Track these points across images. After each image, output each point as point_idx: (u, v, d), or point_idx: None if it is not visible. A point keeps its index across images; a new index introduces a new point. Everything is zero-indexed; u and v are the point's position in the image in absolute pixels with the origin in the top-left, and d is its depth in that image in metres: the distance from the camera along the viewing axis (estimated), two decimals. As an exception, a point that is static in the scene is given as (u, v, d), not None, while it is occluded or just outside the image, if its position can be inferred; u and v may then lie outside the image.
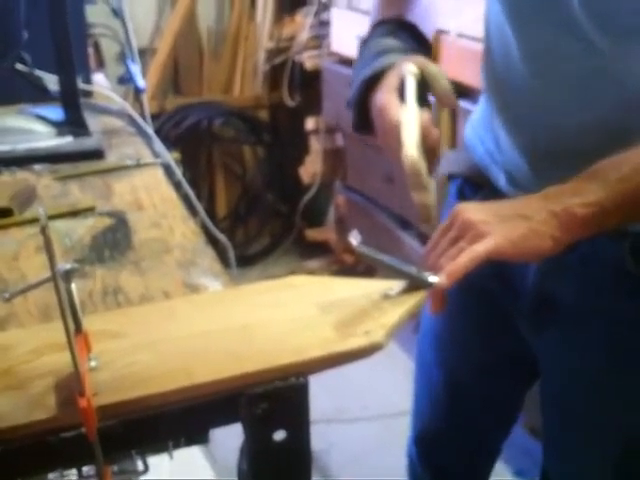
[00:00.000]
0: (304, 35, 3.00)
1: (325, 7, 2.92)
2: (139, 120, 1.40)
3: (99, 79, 1.69)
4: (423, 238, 2.34)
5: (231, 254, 1.35)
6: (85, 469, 0.71)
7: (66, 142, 1.29)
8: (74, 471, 0.72)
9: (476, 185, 1.06)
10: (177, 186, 1.20)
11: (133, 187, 1.13)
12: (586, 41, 0.83)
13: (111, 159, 1.25)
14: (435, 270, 0.77)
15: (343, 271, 3.10)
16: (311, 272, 3.09)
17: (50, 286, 0.56)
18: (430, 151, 0.86)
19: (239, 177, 3.46)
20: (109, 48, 2.82)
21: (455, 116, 2.12)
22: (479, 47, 1.05)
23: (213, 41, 3.31)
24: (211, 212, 3.26)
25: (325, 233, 3.24)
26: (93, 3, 1.63)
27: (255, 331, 0.69)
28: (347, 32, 2.60)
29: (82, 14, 1.49)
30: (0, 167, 1.20)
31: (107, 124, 1.43)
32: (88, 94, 1.49)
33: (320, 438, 2.23)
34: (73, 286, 0.60)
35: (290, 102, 3.17)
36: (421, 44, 1.00)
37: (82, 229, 0.99)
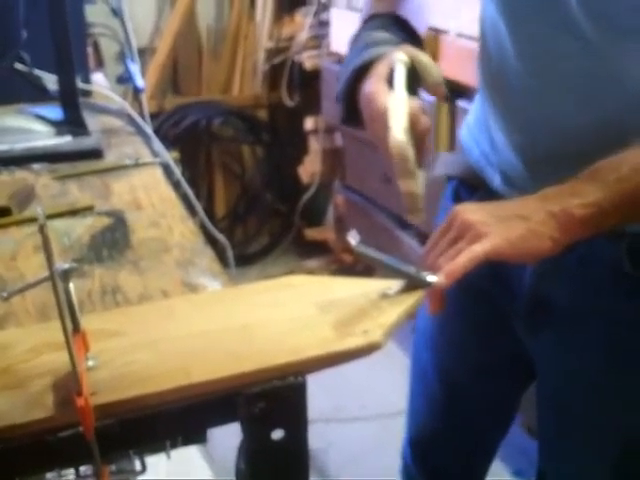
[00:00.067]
0: (303, 35, 3.00)
1: (324, 7, 2.92)
2: (138, 120, 1.40)
3: (98, 79, 1.69)
4: (422, 238, 2.34)
5: (230, 254, 1.35)
6: (82, 469, 0.71)
7: (65, 141, 1.29)
8: (72, 470, 0.72)
9: (472, 187, 1.05)
10: (176, 186, 1.20)
11: (132, 187, 1.13)
12: (584, 40, 0.83)
13: (110, 159, 1.25)
14: (434, 270, 0.77)
15: (342, 271, 3.10)
16: (310, 272, 3.09)
17: (48, 285, 0.56)
18: (419, 139, 0.83)
19: (238, 177, 3.46)
20: (108, 48, 2.82)
21: (454, 116, 2.12)
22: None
23: (212, 41, 3.31)
24: (210, 212, 3.26)
25: (324, 233, 3.24)
26: (92, 3, 1.63)
27: (253, 330, 0.69)
28: (346, 32, 2.58)
29: (81, 14, 1.49)
30: (-1, 166, 1.20)
31: (106, 124, 1.43)
32: (87, 94, 1.49)
33: (318, 437, 2.23)
34: (71, 285, 0.60)
35: (289, 102, 3.17)
36: (413, 39, 0.99)
37: (81, 228, 0.99)
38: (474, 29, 1.04)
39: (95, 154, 1.26)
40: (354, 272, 2.97)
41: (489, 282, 1.04)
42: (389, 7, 1.01)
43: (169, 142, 2.88)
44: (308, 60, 2.96)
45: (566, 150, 0.88)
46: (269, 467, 0.67)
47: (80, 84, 1.36)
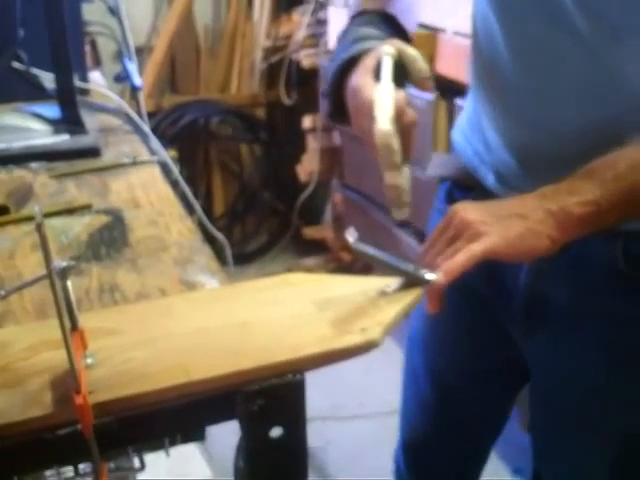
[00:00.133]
0: (301, 33, 3.00)
1: (322, 6, 2.92)
2: (136, 118, 1.40)
3: (96, 77, 1.69)
4: (420, 236, 2.34)
5: (228, 252, 1.35)
6: (81, 466, 0.71)
7: (63, 140, 1.29)
8: (71, 468, 0.72)
9: (466, 187, 1.05)
10: (174, 184, 1.20)
11: (130, 185, 1.13)
12: (579, 38, 0.83)
13: (108, 157, 1.25)
14: (432, 269, 0.77)
15: (340, 269, 3.10)
16: (308, 270, 3.09)
17: (46, 283, 0.56)
18: (405, 132, 0.81)
19: (236, 175, 3.46)
20: (106, 46, 2.82)
21: (452, 114, 2.12)
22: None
23: (210, 39, 3.31)
24: (208, 210, 3.26)
25: (322, 231, 3.25)
26: (90, 1, 1.63)
27: (252, 328, 0.69)
28: (344, 30, 2.60)
29: (79, 12, 1.49)
30: (-4, 165, 1.20)
31: (104, 122, 1.43)
32: (85, 92, 1.49)
33: (317, 436, 2.23)
34: (69, 283, 0.60)
35: (287, 100, 3.17)
36: (401, 36, 0.98)
37: (78, 227, 0.99)
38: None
39: (93, 152, 1.25)
40: (352, 270, 2.97)
41: (483, 285, 1.04)
42: (378, 4, 1.01)
43: (167, 141, 2.88)
44: (306, 59, 2.96)
45: (561, 148, 0.88)
46: (268, 465, 0.67)
47: (77, 83, 1.36)
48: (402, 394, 1.31)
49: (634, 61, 0.81)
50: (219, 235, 1.34)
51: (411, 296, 0.76)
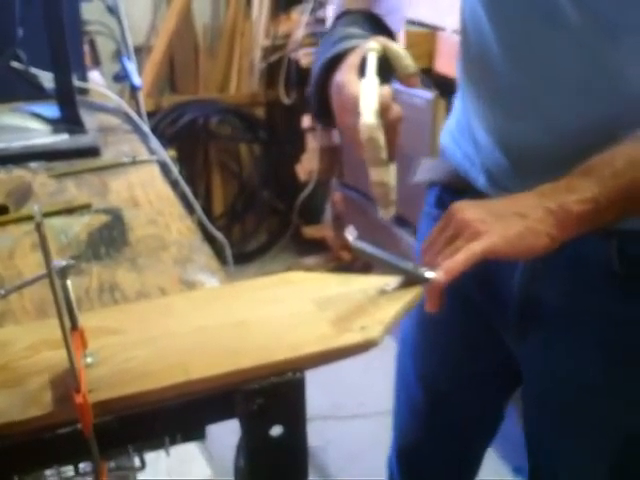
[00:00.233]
0: (300, 32, 3.00)
1: (321, 5, 2.92)
2: (135, 118, 1.40)
3: (95, 77, 1.69)
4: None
5: (228, 251, 1.35)
6: (81, 466, 0.71)
7: (62, 139, 1.29)
8: (71, 467, 0.72)
9: (456, 191, 1.03)
10: (174, 184, 1.20)
11: (129, 184, 1.13)
12: (573, 36, 0.82)
13: (107, 156, 1.25)
14: (432, 268, 0.76)
15: (340, 268, 3.10)
16: (308, 269, 3.08)
17: (46, 283, 0.56)
18: (390, 128, 0.79)
19: (236, 175, 3.46)
20: (105, 46, 2.82)
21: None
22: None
23: (209, 39, 3.31)
24: (208, 210, 3.26)
25: (322, 230, 3.25)
26: (89, 0, 1.63)
27: (251, 327, 0.69)
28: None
29: (77, 11, 1.49)
30: (-4, 165, 1.20)
31: (103, 122, 1.43)
32: (84, 92, 1.49)
33: (317, 435, 2.23)
34: (69, 282, 0.60)
35: (286, 100, 3.17)
36: (386, 36, 0.95)
37: (78, 226, 0.99)
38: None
39: (92, 152, 1.25)
40: (352, 269, 2.97)
41: (476, 291, 1.04)
42: (362, 4, 0.99)
43: (166, 140, 2.88)
44: (305, 58, 2.96)
45: (554, 148, 0.88)
46: (268, 464, 0.67)
47: (77, 82, 1.36)
48: (394, 399, 1.31)
49: (630, 59, 0.81)
50: (219, 234, 1.34)
51: (411, 295, 0.75)
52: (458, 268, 0.74)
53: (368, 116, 0.77)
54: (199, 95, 3.28)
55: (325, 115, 0.91)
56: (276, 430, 0.65)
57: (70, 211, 1.03)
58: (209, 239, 0.99)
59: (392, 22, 0.99)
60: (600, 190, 0.75)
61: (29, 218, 1.00)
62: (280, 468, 0.68)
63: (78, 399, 0.57)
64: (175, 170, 1.26)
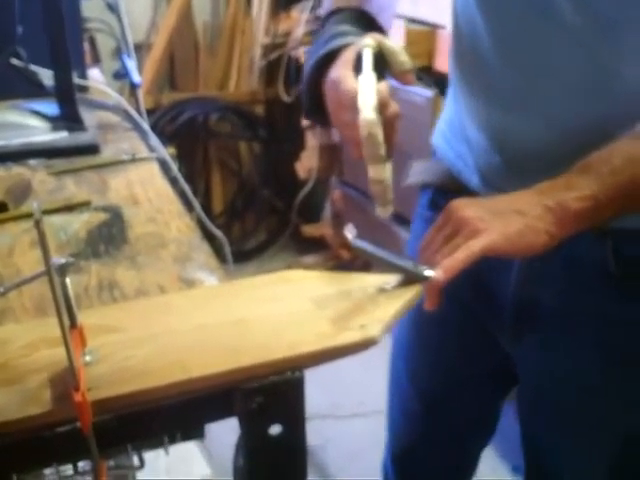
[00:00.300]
0: (300, 30, 2.99)
1: (321, 2, 2.92)
2: (135, 115, 1.40)
3: (94, 74, 1.68)
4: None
5: (227, 250, 1.35)
6: (81, 464, 0.71)
7: (61, 137, 1.29)
8: (70, 466, 0.72)
9: (449, 193, 1.01)
10: (173, 182, 1.20)
11: (129, 182, 1.13)
12: (568, 31, 0.82)
13: (106, 154, 1.25)
14: (430, 266, 0.76)
15: (340, 267, 3.10)
16: (307, 268, 3.08)
17: (45, 281, 0.56)
18: (388, 125, 0.79)
19: (235, 173, 3.45)
20: (105, 43, 2.82)
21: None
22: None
23: (209, 36, 3.31)
24: (207, 208, 3.26)
25: (321, 229, 3.24)
26: (88, -2, 1.63)
27: (250, 325, 0.69)
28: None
29: (77, 9, 1.49)
30: (-5, 162, 1.20)
31: (102, 119, 1.43)
32: (83, 89, 1.49)
33: (316, 434, 2.23)
34: (68, 280, 0.60)
35: (286, 97, 3.17)
36: (379, 33, 0.93)
37: (77, 224, 0.98)
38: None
39: (91, 149, 1.25)
40: (352, 268, 2.97)
41: (470, 292, 1.03)
42: (353, 2, 0.98)
43: (166, 138, 2.87)
44: (305, 56, 2.96)
45: (549, 146, 0.87)
46: (267, 462, 0.67)
47: (76, 80, 1.35)
48: (388, 403, 1.30)
49: (627, 57, 0.80)
50: (218, 233, 1.34)
51: (410, 293, 0.75)
52: (458, 266, 0.73)
53: (368, 112, 0.76)
54: (199, 93, 3.28)
55: (317, 113, 0.91)
56: (275, 429, 0.65)
57: (69, 209, 1.03)
58: (208, 237, 0.99)
59: (383, 20, 0.98)
60: (599, 187, 0.75)
61: (28, 216, 0.99)
62: (279, 467, 0.68)
63: (77, 397, 0.57)
64: (174, 168, 1.26)
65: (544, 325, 0.98)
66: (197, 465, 2.08)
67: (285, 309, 0.72)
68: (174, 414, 0.63)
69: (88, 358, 0.64)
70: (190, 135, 3.23)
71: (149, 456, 0.78)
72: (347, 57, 0.84)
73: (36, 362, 0.64)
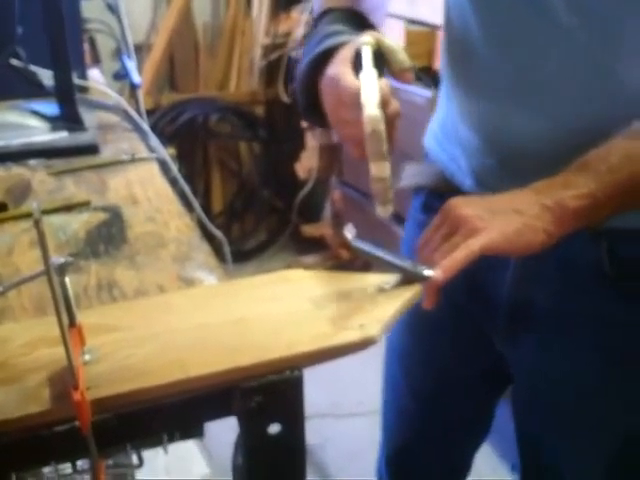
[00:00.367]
0: (300, 31, 3.00)
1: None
2: (134, 116, 1.40)
3: (94, 75, 1.68)
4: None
5: (227, 249, 1.35)
6: (79, 463, 0.71)
7: (61, 137, 1.29)
8: (69, 465, 0.72)
9: (443, 196, 0.98)
10: (173, 182, 1.20)
11: (128, 182, 1.13)
12: (561, 29, 0.81)
13: (106, 154, 1.25)
14: (429, 265, 0.76)
15: (339, 267, 3.10)
16: (307, 268, 3.08)
17: (45, 280, 0.56)
18: (389, 124, 0.77)
19: (235, 173, 3.45)
20: (105, 44, 2.82)
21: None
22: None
23: (209, 37, 3.31)
24: (207, 208, 3.26)
25: (321, 229, 3.25)
26: (88, -2, 1.63)
27: (249, 325, 0.69)
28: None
29: (77, 9, 1.49)
30: (-5, 162, 1.20)
31: (102, 119, 1.43)
32: (83, 89, 1.49)
33: (315, 433, 2.23)
34: (67, 279, 0.60)
35: (286, 98, 3.17)
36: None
37: (77, 224, 0.99)
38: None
39: (91, 150, 1.25)
40: (352, 268, 2.97)
41: (465, 297, 1.03)
42: (345, 2, 0.96)
43: (166, 139, 2.88)
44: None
45: (543, 146, 0.87)
46: (266, 462, 0.67)
47: (76, 80, 1.36)
48: (382, 405, 1.29)
49: (622, 55, 0.80)
50: (218, 233, 1.34)
51: (410, 292, 0.75)
52: (457, 266, 0.73)
53: (372, 108, 0.75)
54: (199, 93, 3.28)
55: (314, 112, 0.89)
56: (274, 428, 0.65)
57: (69, 208, 1.03)
58: (208, 237, 0.99)
59: (376, 19, 0.97)
60: (597, 185, 0.75)
61: (28, 215, 1.00)
62: (278, 466, 0.68)
63: (76, 396, 0.57)
64: (174, 168, 1.26)
65: (539, 326, 0.97)
66: (196, 464, 2.08)
67: (284, 309, 0.72)
68: (173, 413, 0.63)
69: (87, 357, 0.64)
70: (190, 135, 3.23)
71: (148, 455, 0.78)
72: (345, 55, 0.83)
73: (35, 361, 0.64)
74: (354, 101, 0.78)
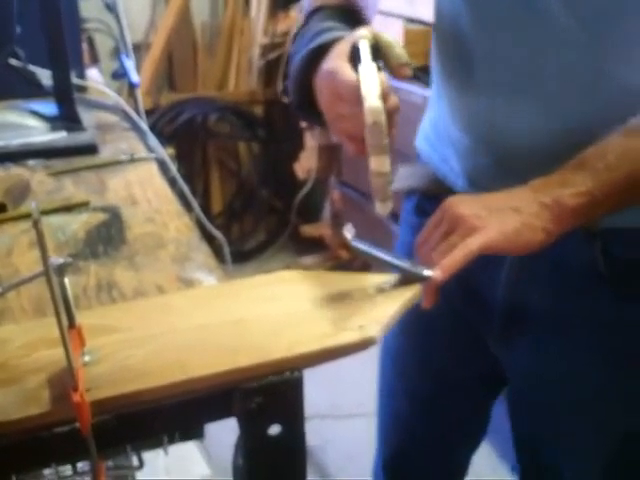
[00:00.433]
0: (299, 31, 2.99)
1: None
2: (133, 115, 1.40)
3: (93, 74, 1.68)
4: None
5: (226, 250, 1.35)
6: (80, 465, 0.71)
7: (60, 137, 1.28)
8: (69, 467, 0.72)
9: (435, 198, 0.98)
10: (172, 182, 1.20)
11: (127, 182, 1.13)
12: (558, 28, 0.81)
13: (105, 154, 1.25)
14: (427, 264, 0.76)
15: (339, 267, 3.10)
16: (306, 268, 3.09)
17: (44, 281, 0.55)
18: (388, 118, 0.75)
19: (234, 173, 3.45)
20: (103, 43, 2.82)
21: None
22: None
23: (207, 36, 3.31)
24: (206, 208, 3.26)
25: (320, 229, 3.24)
26: (87, -2, 1.63)
27: (249, 325, 0.69)
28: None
29: (76, 9, 1.49)
30: (-6, 162, 1.20)
31: (101, 119, 1.42)
32: (82, 89, 1.48)
33: (315, 434, 2.23)
34: (66, 280, 0.60)
35: (285, 98, 3.17)
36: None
37: (76, 224, 0.98)
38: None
39: (90, 150, 1.25)
40: (351, 268, 2.97)
41: (460, 300, 1.03)
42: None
43: (165, 138, 2.88)
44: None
45: (536, 144, 0.86)
46: (266, 462, 0.67)
47: (75, 80, 1.35)
48: (377, 409, 1.29)
49: (619, 57, 0.80)
50: (217, 233, 1.34)
51: (409, 293, 0.75)
52: (456, 265, 0.73)
53: (373, 99, 0.74)
54: (197, 93, 3.28)
55: (308, 109, 0.88)
56: (274, 429, 0.65)
57: (68, 209, 1.03)
58: (207, 237, 0.99)
59: (367, 17, 0.97)
60: (594, 184, 0.75)
61: (27, 216, 0.99)
62: (278, 467, 0.68)
63: (76, 398, 0.56)
64: (173, 168, 1.26)
65: (535, 327, 0.97)
66: (196, 465, 2.08)
67: (284, 309, 0.72)
68: (173, 414, 0.63)
69: (87, 358, 0.64)
70: (189, 135, 3.23)
71: (148, 456, 0.78)
72: (341, 49, 0.81)
73: (35, 362, 0.64)
74: (352, 95, 0.76)
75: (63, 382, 0.60)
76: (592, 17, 0.79)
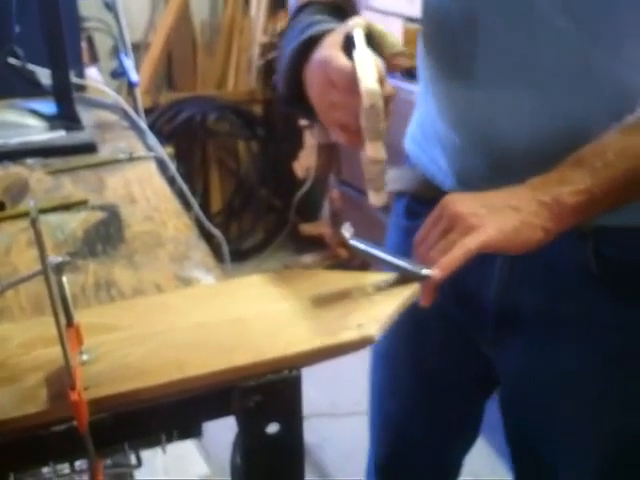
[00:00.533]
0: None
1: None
2: (132, 114, 1.40)
3: (92, 73, 1.68)
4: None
5: (225, 249, 1.34)
6: (78, 463, 0.71)
7: (59, 136, 1.28)
8: (67, 465, 0.71)
9: (425, 199, 0.99)
10: (171, 181, 1.20)
11: (126, 181, 1.13)
12: (553, 29, 0.80)
13: (104, 153, 1.25)
14: (426, 263, 0.76)
15: (338, 266, 3.09)
16: (305, 267, 3.09)
17: (42, 279, 0.55)
18: (384, 104, 0.74)
19: (233, 172, 3.45)
20: (102, 42, 2.82)
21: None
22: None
23: (207, 35, 3.31)
24: (205, 207, 3.26)
25: (319, 228, 3.25)
26: (86, -3, 1.63)
27: (248, 324, 0.69)
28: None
29: (75, 7, 1.48)
30: (-7, 161, 1.20)
31: (100, 118, 1.42)
32: (81, 88, 1.48)
33: (313, 433, 2.23)
34: (64, 279, 0.60)
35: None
36: None
37: (74, 223, 0.98)
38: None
39: (89, 148, 1.25)
40: (350, 267, 2.96)
41: (452, 304, 1.02)
42: None
43: (164, 137, 2.88)
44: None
45: (530, 143, 0.86)
46: (264, 461, 0.67)
47: (74, 79, 1.35)
48: (369, 413, 1.28)
49: (614, 57, 0.80)
50: (216, 232, 1.34)
51: (408, 291, 0.75)
52: (455, 264, 0.73)
53: (371, 82, 0.72)
54: (197, 92, 3.28)
55: (298, 103, 0.86)
56: (272, 427, 0.65)
57: (66, 207, 1.03)
58: (206, 236, 0.98)
59: (357, 12, 0.96)
60: (593, 181, 0.75)
61: (25, 214, 0.99)
62: (276, 466, 0.68)
63: (73, 396, 0.56)
64: (172, 167, 1.26)
65: (528, 328, 0.97)
66: (194, 464, 2.08)
67: (282, 308, 0.72)
68: (171, 412, 0.63)
69: (85, 357, 0.64)
70: (188, 134, 3.23)
71: (146, 455, 0.78)
72: (334, 39, 0.80)
73: (33, 361, 0.64)
74: (346, 82, 0.75)
75: (61, 380, 0.60)
76: (582, 11, 0.79)
